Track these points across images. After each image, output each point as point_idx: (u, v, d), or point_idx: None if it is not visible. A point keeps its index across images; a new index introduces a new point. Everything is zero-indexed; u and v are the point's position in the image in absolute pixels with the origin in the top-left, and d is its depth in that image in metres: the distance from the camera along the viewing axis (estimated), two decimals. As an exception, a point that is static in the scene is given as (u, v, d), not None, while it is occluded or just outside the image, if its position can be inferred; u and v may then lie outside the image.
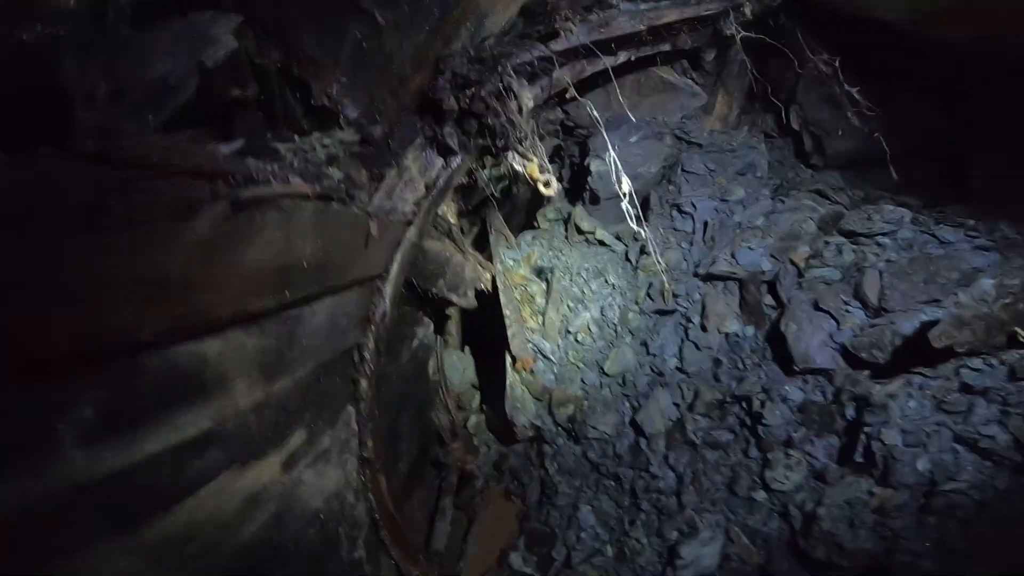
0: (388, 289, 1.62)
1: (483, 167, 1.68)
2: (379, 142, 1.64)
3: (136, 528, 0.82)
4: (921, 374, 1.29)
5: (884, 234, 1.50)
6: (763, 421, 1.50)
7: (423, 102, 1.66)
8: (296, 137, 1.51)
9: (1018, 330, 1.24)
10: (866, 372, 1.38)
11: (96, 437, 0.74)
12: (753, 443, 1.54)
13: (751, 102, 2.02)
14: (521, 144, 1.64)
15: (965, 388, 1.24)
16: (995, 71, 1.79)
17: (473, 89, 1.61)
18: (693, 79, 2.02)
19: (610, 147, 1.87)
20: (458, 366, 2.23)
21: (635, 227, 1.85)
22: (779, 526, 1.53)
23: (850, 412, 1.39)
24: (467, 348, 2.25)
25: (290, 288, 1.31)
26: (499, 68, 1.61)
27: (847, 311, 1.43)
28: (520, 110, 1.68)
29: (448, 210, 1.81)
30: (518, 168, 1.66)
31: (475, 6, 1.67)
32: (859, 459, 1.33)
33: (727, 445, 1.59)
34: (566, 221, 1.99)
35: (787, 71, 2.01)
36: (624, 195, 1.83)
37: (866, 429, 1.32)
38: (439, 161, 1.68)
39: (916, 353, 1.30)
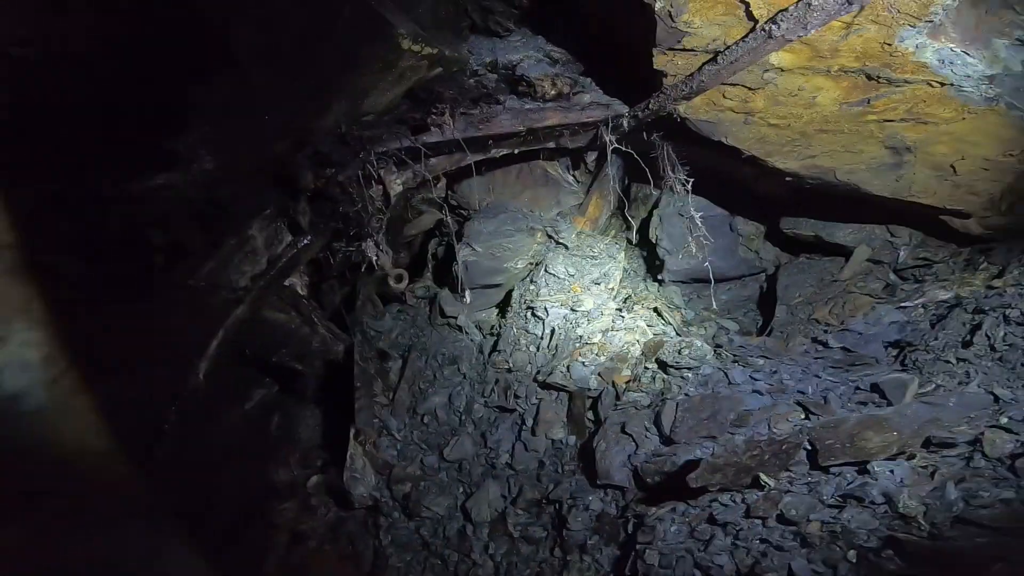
0: (204, 365, 1.52)
1: (339, 249, 1.63)
2: (225, 205, 1.53)
3: None
4: (683, 503, 1.51)
5: (689, 368, 1.72)
6: (567, 525, 1.65)
7: (281, 174, 1.57)
8: (129, 182, 1.36)
9: (760, 475, 1.49)
10: (647, 494, 1.58)
11: None
12: (558, 543, 1.70)
13: (621, 208, 2.17)
14: (376, 234, 1.61)
15: (711, 520, 1.47)
16: (815, 202, 2.11)
17: (333, 170, 1.55)
18: (574, 177, 2.12)
19: (482, 237, 1.91)
20: (308, 422, 2.16)
21: (494, 321, 1.92)
22: (569, 623, 1.70)
23: (630, 528, 1.58)
24: (321, 407, 2.18)
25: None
26: (363, 153, 1.57)
27: (646, 436, 1.62)
28: (386, 195, 1.65)
29: (298, 281, 1.73)
30: (371, 256, 1.63)
31: (355, 83, 1.60)
32: (628, 573, 1.52)
33: (539, 542, 1.73)
34: (431, 303, 2.00)
35: (653, 185, 2.19)
36: (482, 292, 1.89)
37: (637, 546, 1.51)
38: (288, 237, 1.60)
39: (684, 484, 1.51)
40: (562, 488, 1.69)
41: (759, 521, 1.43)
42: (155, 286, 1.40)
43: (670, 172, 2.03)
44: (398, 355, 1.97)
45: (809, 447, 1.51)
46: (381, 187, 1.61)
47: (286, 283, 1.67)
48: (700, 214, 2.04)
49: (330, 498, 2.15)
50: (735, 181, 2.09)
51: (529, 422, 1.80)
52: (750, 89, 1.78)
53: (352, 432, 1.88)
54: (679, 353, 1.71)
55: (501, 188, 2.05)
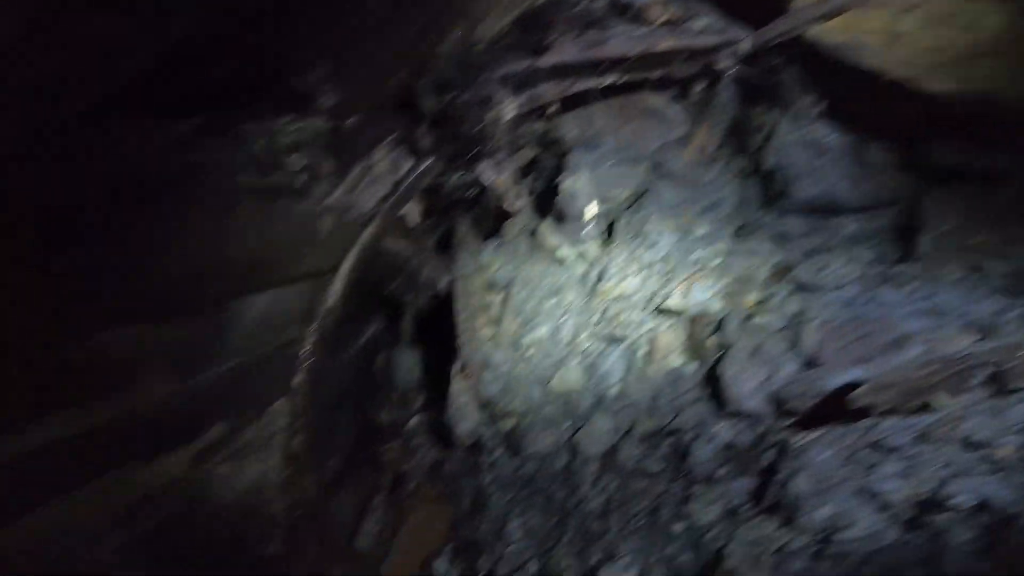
0: (336, 286, 1.57)
1: (455, 172, 1.64)
2: (350, 135, 1.58)
3: (16, 519, 0.77)
4: (838, 428, 1.35)
5: (830, 289, 1.56)
6: (691, 457, 1.54)
7: (401, 100, 1.61)
8: (265, 119, 1.44)
9: (933, 398, 1.31)
10: (789, 420, 1.44)
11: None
12: (679, 476, 1.59)
13: (730, 138, 2.04)
14: (493, 156, 1.61)
15: (875, 445, 1.31)
16: (969, 127, 1.87)
17: (453, 94, 1.57)
18: (678, 109, 2.02)
19: (583, 168, 1.86)
20: (405, 365, 2.19)
21: (598, 250, 1.86)
22: (691, 559, 1.59)
23: (769, 456, 1.44)
24: (417, 348, 2.21)
25: (227, 280, 1.25)
26: (483, 76, 1.58)
27: (783, 360, 1.48)
28: (499, 120, 1.65)
29: (413, 210, 1.76)
30: (486, 180, 1.63)
31: (469, 11, 1.62)
32: (770, 502, 1.39)
33: (655, 475, 1.63)
34: (532, 235, 1.97)
35: (771, 111, 2.04)
36: (590, 218, 1.84)
37: (780, 474, 1.38)
38: (409, 161, 1.64)
39: (837, 408, 1.36)
40: (683, 418, 1.59)
41: (936, 446, 1.26)
42: (293, 206, 1.45)
43: (794, 98, 1.88)
44: (500, 288, 1.95)
45: (990, 369, 1.32)
46: (496, 111, 1.61)
47: (401, 212, 1.70)
48: (826, 142, 1.87)
49: (430, 439, 2.17)
50: (868, 107, 1.90)
51: (642, 350, 1.71)
52: (899, 10, 1.62)
53: (455, 367, 1.89)
54: (818, 273, 1.56)
55: (601, 122, 1.98)
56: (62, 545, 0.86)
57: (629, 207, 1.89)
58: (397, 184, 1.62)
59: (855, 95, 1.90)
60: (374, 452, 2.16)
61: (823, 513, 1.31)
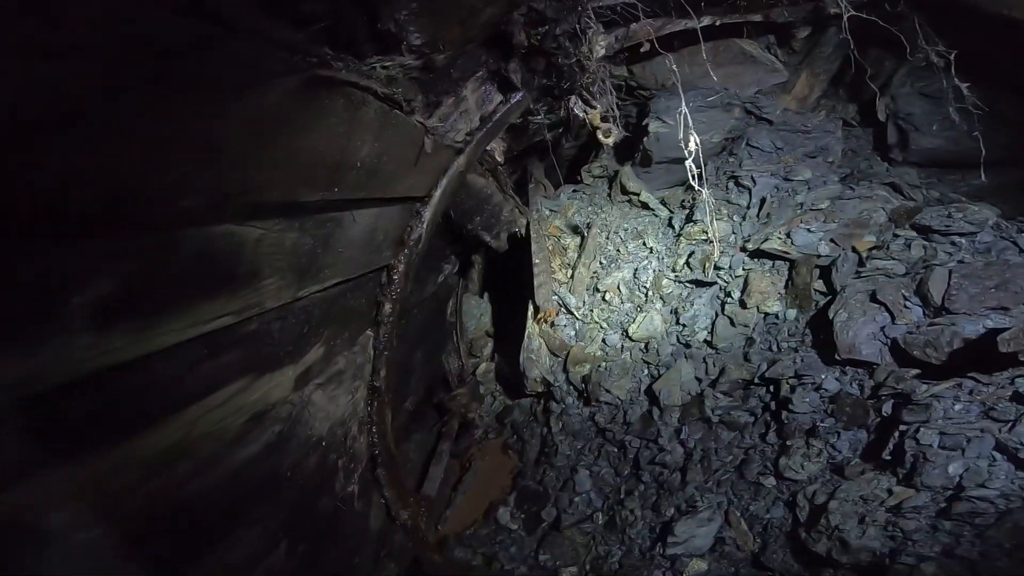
0: (427, 214, 1.55)
1: (539, 112, 1.59)
2: (440, 70, 1.55)
3: (129, 437, 0.68)
4: (974, 379, 1.22)
5: (962, 234, 1.40)
6: (789, 407, 1.45)
7: (492, 35, 1.56)
8: (357, 60, 1.42)
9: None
10: (914, 371, 1.31)
11: (111, 318, 0.61)
12: (773, 428, 1.50)
13: (834, 87, 1.88)
14: (587, 89, 1.54)
15: (1018, 397, 1.18)
16: None
17: (547, 27, 1.51)
18: (776, 56, 1.88)
19: (673, 110, 1.76)
20: (475, 312, 2.17)
21: (697, 186, 1.76)
22: (783, 515, 1.50)
23: (887, 408, 1.33)
24: (486, 296, 2.18)
25: (339, 186, 1.22)
26: (579, 8, 1.50)
27: (905, 307, 1.35)
28: (591, 55, 1.58)
29: (497, 148, 1.72)
30: (579, 113, 1.56)
31: None
32: (887, 456, 1.28)
33: (745, 427, 1.54)
34: (611, 180, 1.89)
35: (885, 60, 1.86)
36: (690, 153, 1.73)
37: (902, 427, 1.26)
38: (498, 96, 1.60)
39: (972, 358, 1.23)
40: (780, 367, 1.48)
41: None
42: (405, 119, 1.42)
43: (917, 46, 1.71)
44: (577, 232, 1.89)
45: None
46: (588, 46, 1.54)
47: (489, 147, 1.67)
48: (952, 93, 1.69)
49: (498, 386, 2.16)
50: (1003, 59, 1.70)
51: (735, 295, 1.61)
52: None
53: (530, 310, 1.85)
54: (948, 217, 1.41)
55: (690, 67, 1.87)
56: (184, 466, 0.79)
57: (721, 151, 1.78)
58: (486, 118, 1.59)
59: (989, 46, 1.70)
60: (442, 398, 2.17)
61: (952, 469, 1.19)
